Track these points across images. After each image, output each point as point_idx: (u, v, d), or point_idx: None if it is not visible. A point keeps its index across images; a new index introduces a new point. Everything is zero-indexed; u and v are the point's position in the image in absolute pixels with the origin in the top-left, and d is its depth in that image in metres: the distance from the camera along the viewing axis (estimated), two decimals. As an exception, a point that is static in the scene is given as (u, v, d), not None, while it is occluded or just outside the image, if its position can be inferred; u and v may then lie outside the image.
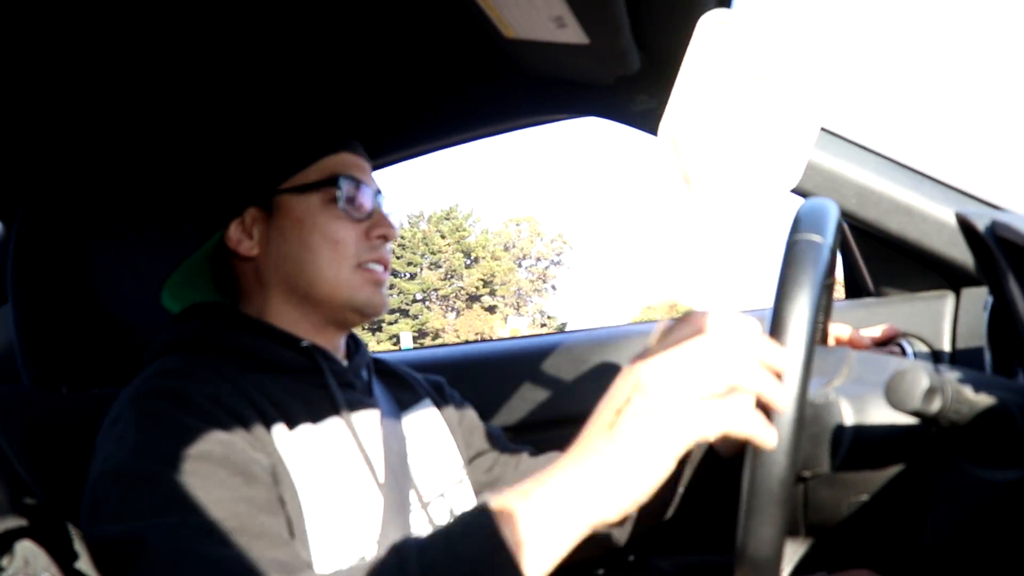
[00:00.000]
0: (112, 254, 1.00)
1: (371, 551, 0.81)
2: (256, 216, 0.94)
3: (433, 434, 1.02)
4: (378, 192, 0.97)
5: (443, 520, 0.93)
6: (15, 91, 0.97)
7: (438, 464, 0.98)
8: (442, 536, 0.63)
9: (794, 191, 1.20)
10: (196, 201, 1.00)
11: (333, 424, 0.87)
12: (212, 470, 0.71)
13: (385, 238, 0.94)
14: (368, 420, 0.92)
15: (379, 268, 0.94)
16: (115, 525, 0.69)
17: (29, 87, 0.97)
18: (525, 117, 1.27)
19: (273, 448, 0.79)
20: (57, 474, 0.86)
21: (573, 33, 0.93)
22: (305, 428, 0.84)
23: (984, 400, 0.60)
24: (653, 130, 1.20)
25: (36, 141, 1.07)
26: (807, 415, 0.62)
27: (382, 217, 0.95)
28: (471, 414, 1.13)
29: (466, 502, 0.99)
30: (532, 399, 1.38)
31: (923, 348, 1.16)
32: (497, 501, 0.61)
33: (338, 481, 0.83)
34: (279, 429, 0.81)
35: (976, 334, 1.11)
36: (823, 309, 0.91)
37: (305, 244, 0.91)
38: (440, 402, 1.09)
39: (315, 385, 0.89)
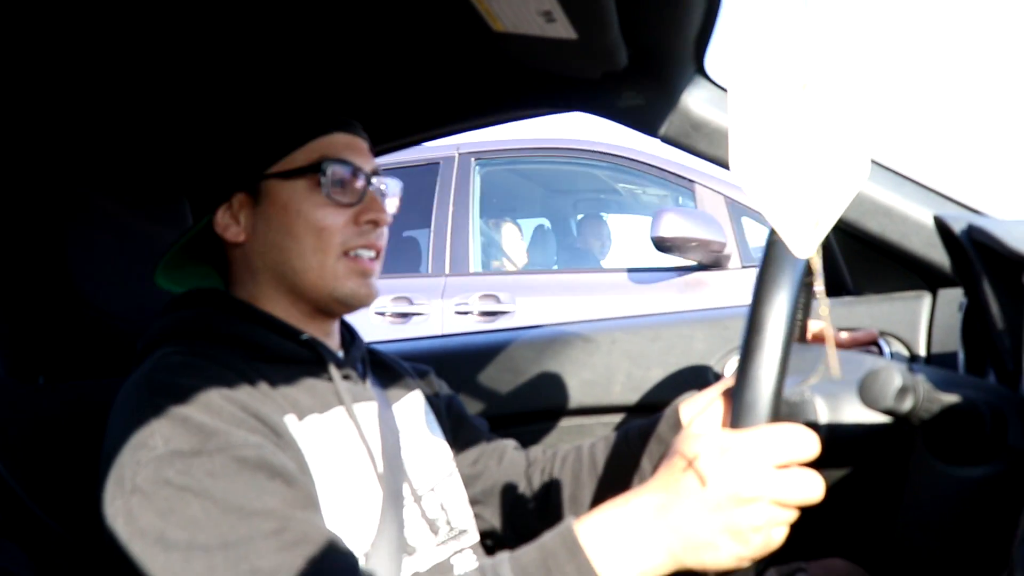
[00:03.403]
0: (90, 242, 0.99)
1: (367, 546, 0.82)
2: (243, 201, 0.91)
3: (424, 426, 1.02)
4: (374, 173, 0.94)
5: (435, 514, 0.94)
6: None
7: (429, 457, 0.99)
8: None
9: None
10: (183, 185, 0.98)
11: (337, 415, 0.87)
12: (252, 476, 0.71)
13: (376, 223, 0.92)
14: (367, 412, 0.92)
15: (368, 254, 0.92)
16: (163, 543, 0.68)
17: (6, 71, 0.96)
18: (512, 111, 1.27)
19: (292, 439, 0.79)
20: (34, 467, 0.85)
21: (562, 28, 0.93)
22: (313, 418, 0.84)
23: (954, 399, 0.61)
24: (638, 126, 1.21)
25: (8, 126, 1.06)
26: (782, 413, 0.63)
27: (373, 200, 0.92)
28: (457, 405, 1.14)
29: (456, 495, 1.00)
30: (513, 392, 1.39)
31: (900, 347, 1.18)
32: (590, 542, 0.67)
33: (344, 474, 0.83)
34: (291, 419, 0.81)
35: (951, 334, 1.13)
36: (803, 307, 0.93)
37: (290, 232, 0.89)
38: (429, 392, 1.09)
39: (318, 376, 0.89)
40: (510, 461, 1.09)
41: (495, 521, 1.07)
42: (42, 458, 0.86)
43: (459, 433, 1.10)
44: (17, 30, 0.88)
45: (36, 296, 0.95)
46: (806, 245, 0.56)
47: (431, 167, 3.26)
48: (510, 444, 1.12)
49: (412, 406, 1.03)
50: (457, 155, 3.24)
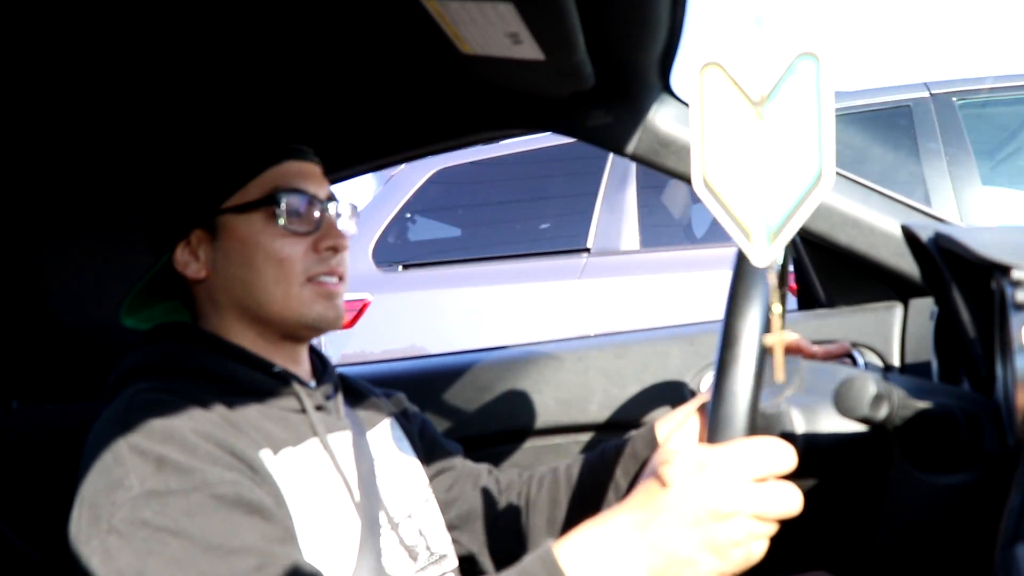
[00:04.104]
0: (64, 264, 0.98)
1: (349, 575, 0.81)
2: (201, 238, 0.91)
3: (398, 453, 1.01)
4: (329, 199, 0.94)
5: (413, 541, 0.93)
6: None
7: (405, 483, 0.98)
8: None
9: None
10: (143, 222, 0.97)
11: (312, 447, 0.87)
12: (229, 513, 0.71)
13: (334, 249, 0.91)
14: (341, 442, 0.91)
15: (331, 280, 0.91)
16: None
17: None
18: (481, 132, 1.28)
19: (267, 474, 0.79)
20: (8, 491, 0.84)
21: (529, 49, 0.94)
22: (288, 452, 0.84)
23: (929, 406, 0.61)
24: (607, 144, 1.22)
25: None
26: (758, 426, 0.63)
27: (331, 227, 0.92)
28: (430, 429, 1.13)
29: (434, 521, 0.99)
30: (487, 412, 1.38)
31: (873, 358, 1.19)
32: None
33: (321, 506, 0.83)
34: (266, 454, 0.81)
35: (924, 343, 1.14)
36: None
37: (251, 265, 0.89)
38: (402, 418, 1.08)
39: (291, 409, 0.88)
40: (486, 484, 1.08)
41: (473, 545, 1.06)
42: (17, 482, 0.85)
43: (433, 457, 1.09)
44: None
45: (9, 319, 0.94)
46: (765, 256, 0.56)
47: (901, 110, 2.75)
48: (484, 468, 1.11)
49: (386, 433, 1.02)
50: (930, 95, 2.77)
